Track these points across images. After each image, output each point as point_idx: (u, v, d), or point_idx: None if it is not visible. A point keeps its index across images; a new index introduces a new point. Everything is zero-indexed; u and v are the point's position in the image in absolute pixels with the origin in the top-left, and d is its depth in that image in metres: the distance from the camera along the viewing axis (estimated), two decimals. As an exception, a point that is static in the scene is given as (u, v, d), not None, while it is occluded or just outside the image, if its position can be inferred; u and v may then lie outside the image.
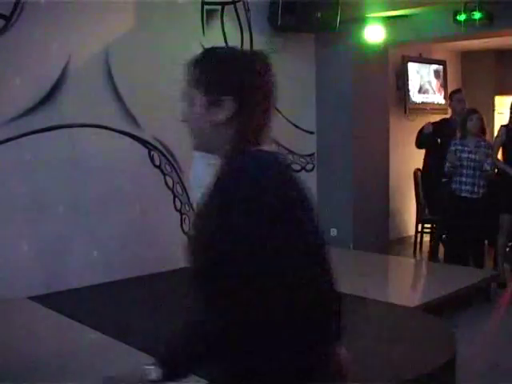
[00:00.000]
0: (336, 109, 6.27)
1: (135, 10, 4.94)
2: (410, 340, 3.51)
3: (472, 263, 5.42)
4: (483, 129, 5.37)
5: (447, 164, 5.35)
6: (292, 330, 1.33)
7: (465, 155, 5.29)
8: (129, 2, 4.90)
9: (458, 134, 5.47)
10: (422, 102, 7.70)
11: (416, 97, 7.68)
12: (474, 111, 5.39)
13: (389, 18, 5.97)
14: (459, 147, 5.33)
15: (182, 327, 1.45)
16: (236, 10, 5.65)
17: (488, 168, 5.24)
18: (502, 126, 5.60)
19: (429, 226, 6.68)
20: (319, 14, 5.61)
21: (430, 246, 6.40)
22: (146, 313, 4.07)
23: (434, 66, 8.00)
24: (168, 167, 5.21)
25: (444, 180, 5.58)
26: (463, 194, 5.31)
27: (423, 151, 6.31)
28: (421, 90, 7.76)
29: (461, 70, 8.73)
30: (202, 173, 3.62)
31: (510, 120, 5.41)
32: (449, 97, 6.28)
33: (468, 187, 5.29)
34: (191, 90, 1.45)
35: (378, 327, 3.76)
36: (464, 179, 5.31)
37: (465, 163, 5.29)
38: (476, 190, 5.30)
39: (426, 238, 6.81)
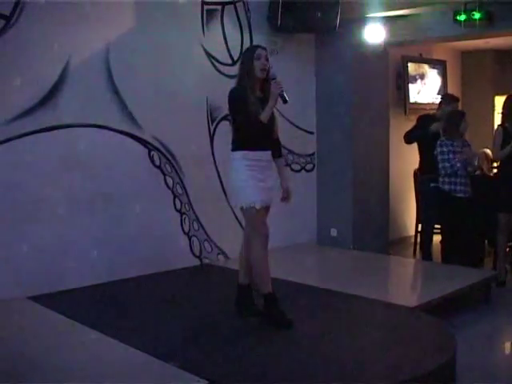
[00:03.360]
0: (336, 109, 6.27)
1: (135, 9, 4.94)
2: (410, 340, 3.51)
3: (468, 262, 5.40)
4: None
5: (446, 164, 5.29)
6: None
7: (456, 156, 5.32)
8: (129, 2, 4.90)
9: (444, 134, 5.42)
10: (422, 102, 7.69)
11: (416, 97, 7.68)
12: (464, 114, 5.45)
13: (389, 17, 5.98)
14: (450, 148, 5.32)
15: None
16: (236, 10, 5.65)
17: (476, 163, 5.39)
18: (498, 125, 5.59)
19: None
20: (319, 14, 5.62)
21: (422, 246, 6.25)
22: (145, 313, 4.07)
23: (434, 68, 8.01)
24: (168, 167, 5.21)
25: (433, 185, 5.52)
26: (459, 195, 5.32)
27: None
28: (421, 90, 7.76)
29: (461, 70, 8.73)
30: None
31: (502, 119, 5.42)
32: (445, 99, 5.95)
33: (462, 187, 5.32)
34: None
35: (378, 327, 3.76)
36: (458, 180, 5.32)
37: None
38: (468, 189, 5.35)
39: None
